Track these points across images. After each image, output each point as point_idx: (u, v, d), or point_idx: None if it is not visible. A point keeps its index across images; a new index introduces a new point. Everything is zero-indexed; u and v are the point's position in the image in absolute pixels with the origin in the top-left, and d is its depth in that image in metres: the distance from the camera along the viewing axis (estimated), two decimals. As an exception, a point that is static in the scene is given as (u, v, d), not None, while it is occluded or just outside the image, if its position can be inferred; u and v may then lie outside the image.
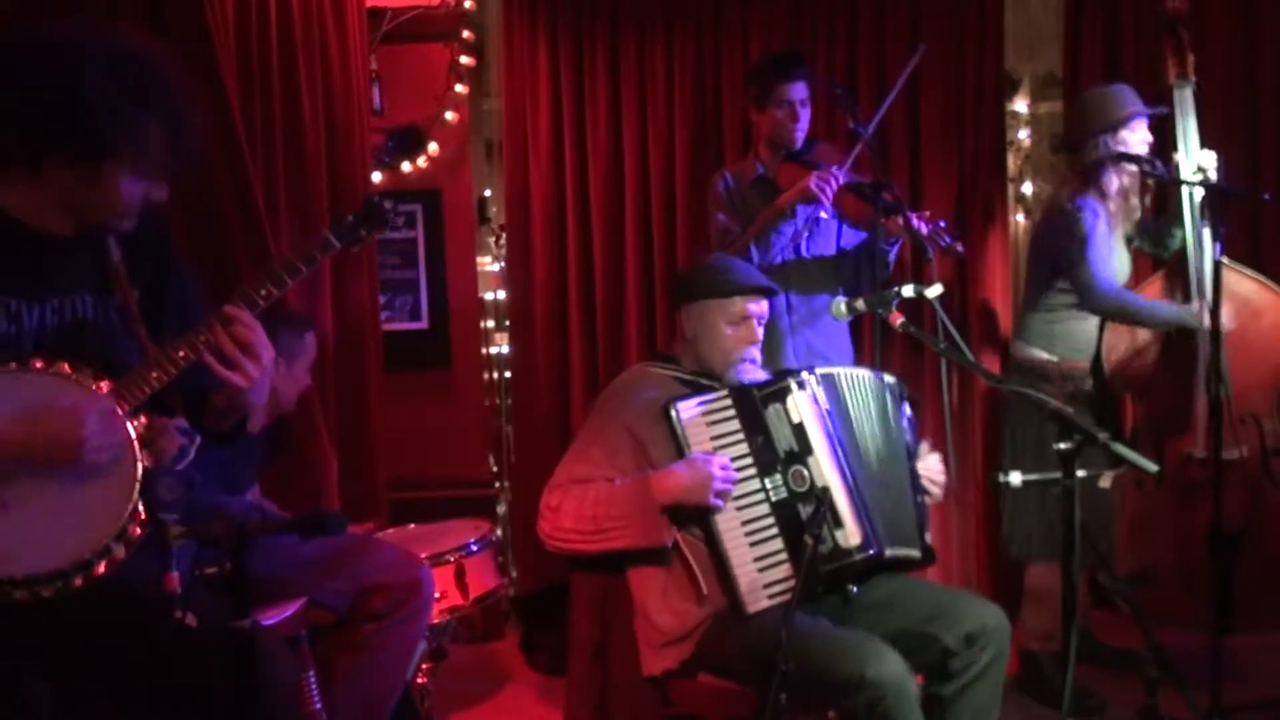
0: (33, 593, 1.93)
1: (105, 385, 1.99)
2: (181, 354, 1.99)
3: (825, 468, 2.50)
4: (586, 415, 2.77)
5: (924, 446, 2.76)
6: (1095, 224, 3.46)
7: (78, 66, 1.91)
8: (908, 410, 2.72)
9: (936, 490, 2.72)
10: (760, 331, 2.69)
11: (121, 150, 1.94)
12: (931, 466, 2.73)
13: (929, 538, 2.66)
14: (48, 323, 2.03)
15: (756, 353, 2.70)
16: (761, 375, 2.70)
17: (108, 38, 1.97)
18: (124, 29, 2.02)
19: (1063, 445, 2.29)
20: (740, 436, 2.50)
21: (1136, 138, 3.49)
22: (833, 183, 3.40)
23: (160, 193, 2.06)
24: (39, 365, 1.97)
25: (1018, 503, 3.65)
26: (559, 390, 4.50)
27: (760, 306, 2.68)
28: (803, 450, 2.51)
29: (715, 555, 2.44)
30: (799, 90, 3.61)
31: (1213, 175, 3.47)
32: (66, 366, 1.98)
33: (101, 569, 1.97)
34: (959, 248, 3.43)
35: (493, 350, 4.80)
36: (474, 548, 3.19)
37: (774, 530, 2.46)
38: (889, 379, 2.71)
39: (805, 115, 3.64)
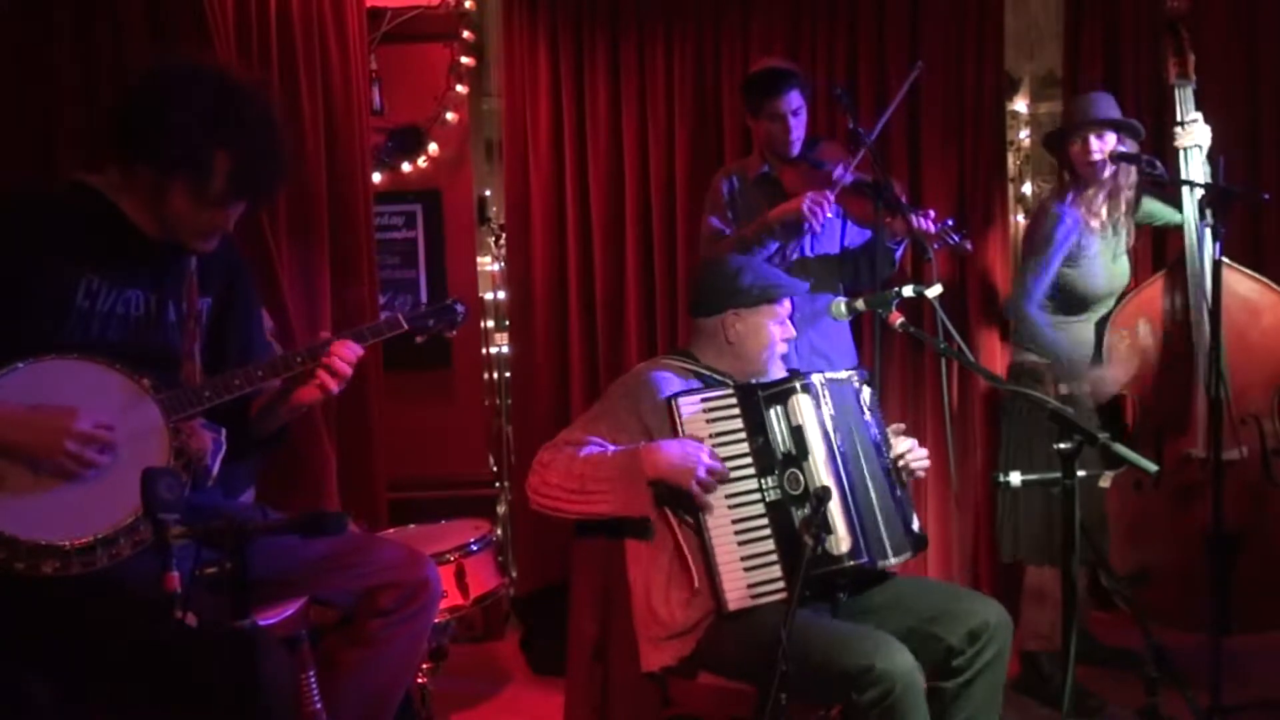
0: (32, 565, 1.95)
1: (158, 392, 2.12)
2: (238, 382, 2.19)
3: (822, 473, 2.50)
4: (601, 395, 2.79)
5: (899, 427, 2.74)
6: (1065, 240, 3.47)
7: (174, 91, 2.12)
8: (868, 397, 2.69)
9: (920, 471, 2.70)
10: (791, 326, 2.76)
11: (183, 173, 2.12)
12: (909, 455, 2.70)
13: (917, 525, 2.66)
14: (117, 311, 2.17)
15: (786, 347, 2.75)
16: (783, 372, 2.74)
17: (214, 75, 2.19)
18: (237, 71, 2.29)
19: (1063, 445, 2.30)
20: (741, 435, 2.51)
21: (1109, 146, 3.50)
22: (825, 207, 3.40)
23: (225, 222, 2.22)
24: (99, 361, 2.10)
25: (1007, 503, 3.66)
26: (559, 390, 4.50)
27: (789, 303, 2.76)
28: (800, 453, 2.51)
29: (703, 550, 2.46)
30: (787, 103, 3.60)
31: (1204, 137, 3.47)
32: (120, 367, 2.11)
33: (103, 560, 1.99)
34: (968, 245, 3.42)
35: (493, 350, 4.80)
36: (474, 548, 3.19)
37: (766, 531, 2.46)
38: (850, 373, 2.70)
39: (799, 123, 3.64)
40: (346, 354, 2.27)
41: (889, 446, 2.69)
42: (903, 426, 2.76)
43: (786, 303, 2.74)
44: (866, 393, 2.69)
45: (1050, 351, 3.51)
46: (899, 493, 2.65)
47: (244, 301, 2.42)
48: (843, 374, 2.68)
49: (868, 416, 2.67)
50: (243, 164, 2.14)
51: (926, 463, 2.73)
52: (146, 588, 1.85)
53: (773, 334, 2.70)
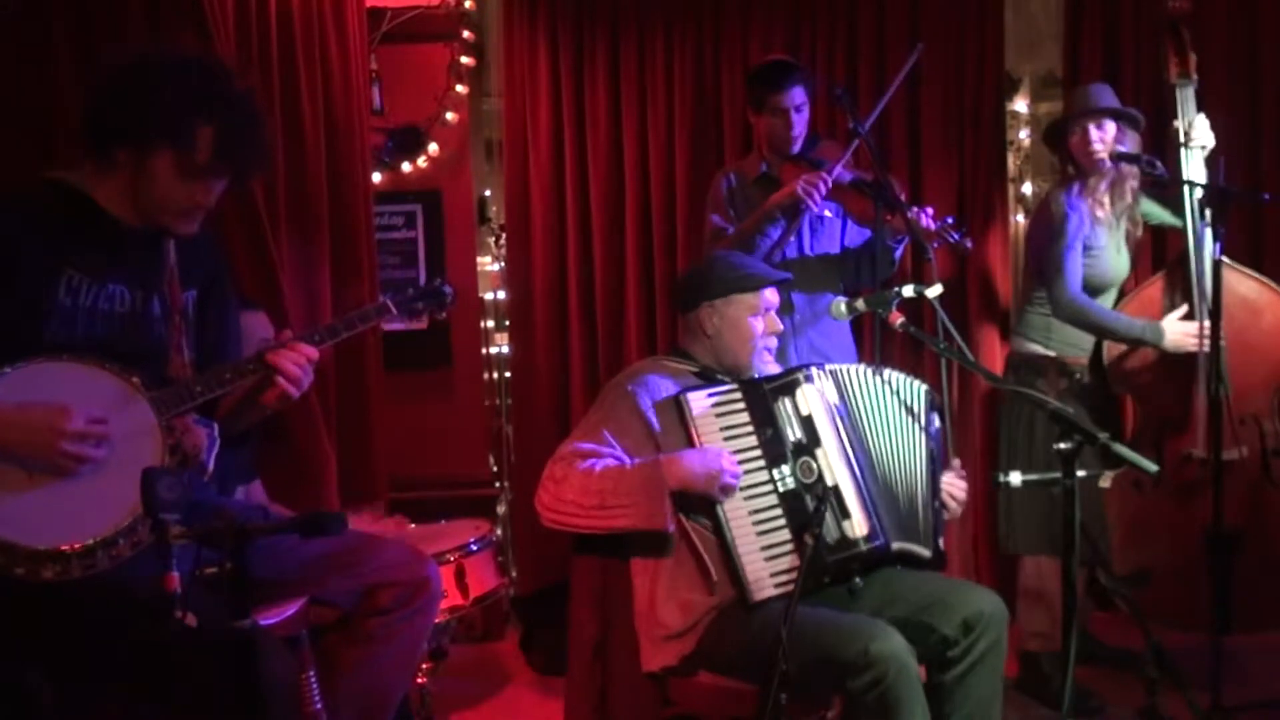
0: (32, 571, 1.95)
1: (148, 389, 2.11)
2: (228, 375, 2.18)
3: (833, 460, 2.51)
4: (596, 397, 2.77)
5: (955, 463, 2.75)
6: (1079, 230, 3.47)
7: (152, 71, 2.14)
8: (936, 420, 2.70)
9: (954, 505, 2.70)
10: (777, 320, 2.73)
11: (169, 142, 2.11)
12: (954, 482, 2.70)
13: (942, 543, 2.66)
14: (101, 307, 2.16)
15: (774, 341, 2.73)
16: (775, 368, 2.74)
17: (191, 56, 2.23)
18: (208, 51, 2.40)
19: (1063, 445, 2.29)
20: (750, 429, 2.52)
21: (1109, 136, 3.50)
22: (821, 187, 3.39)
23: (207, 198, 2.21)
24: (89, 362, 2.09)
25: (1012, 497, 3.65)
26: (559, 390, 4.50)
27: (775, 296, 2.73)
28: (811, 442, 2.52)
29: (722, 544, 2.46)
30: (790, 98, 3.60)
31: (1210, 138, 3.47)
32: (109, 366, 2.10)
33: (104, 563, 1.99)
34: (967, 243, 3.42)
35: (493, 350, 4.80)
36: (474, 548, 3.19)
37: (781, 520, 2.47)
38: (921, 386, 2.70)
39: (801, 119, 3.63)
40: (296, 358, 2.20)
41: (940, 466, 2.68)
42: (958, 461, 2.76)
43: (767, 294, 2.70)
44: (935, 415, 2.69)
45: (1119, 329, 3.46)
46: (936, 504, 2.64)
47: (221, 298, 2.41)
48: (897, 375, 2.67)
49: (931, 431, 2.66)
50: (225, 134, 2.13)
51: (955, 506, 2.70)
52: (146, 588, 1.86)
53: (753, 327, 2.67)
